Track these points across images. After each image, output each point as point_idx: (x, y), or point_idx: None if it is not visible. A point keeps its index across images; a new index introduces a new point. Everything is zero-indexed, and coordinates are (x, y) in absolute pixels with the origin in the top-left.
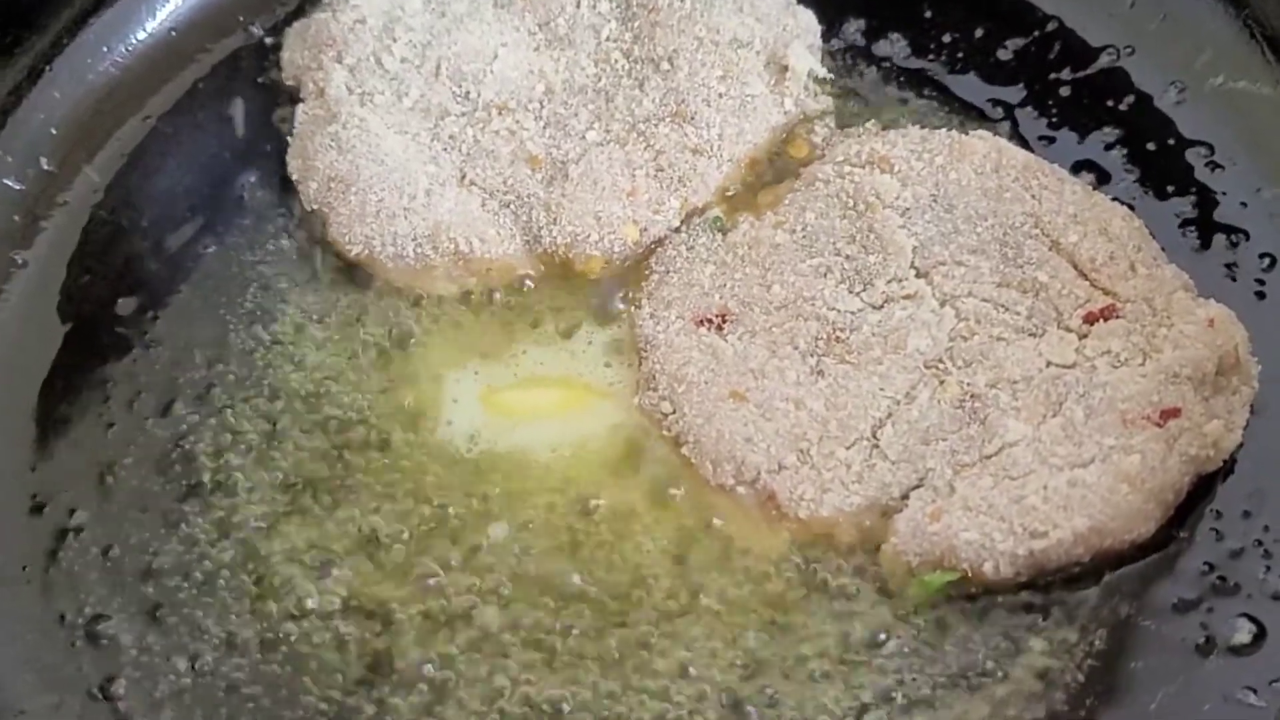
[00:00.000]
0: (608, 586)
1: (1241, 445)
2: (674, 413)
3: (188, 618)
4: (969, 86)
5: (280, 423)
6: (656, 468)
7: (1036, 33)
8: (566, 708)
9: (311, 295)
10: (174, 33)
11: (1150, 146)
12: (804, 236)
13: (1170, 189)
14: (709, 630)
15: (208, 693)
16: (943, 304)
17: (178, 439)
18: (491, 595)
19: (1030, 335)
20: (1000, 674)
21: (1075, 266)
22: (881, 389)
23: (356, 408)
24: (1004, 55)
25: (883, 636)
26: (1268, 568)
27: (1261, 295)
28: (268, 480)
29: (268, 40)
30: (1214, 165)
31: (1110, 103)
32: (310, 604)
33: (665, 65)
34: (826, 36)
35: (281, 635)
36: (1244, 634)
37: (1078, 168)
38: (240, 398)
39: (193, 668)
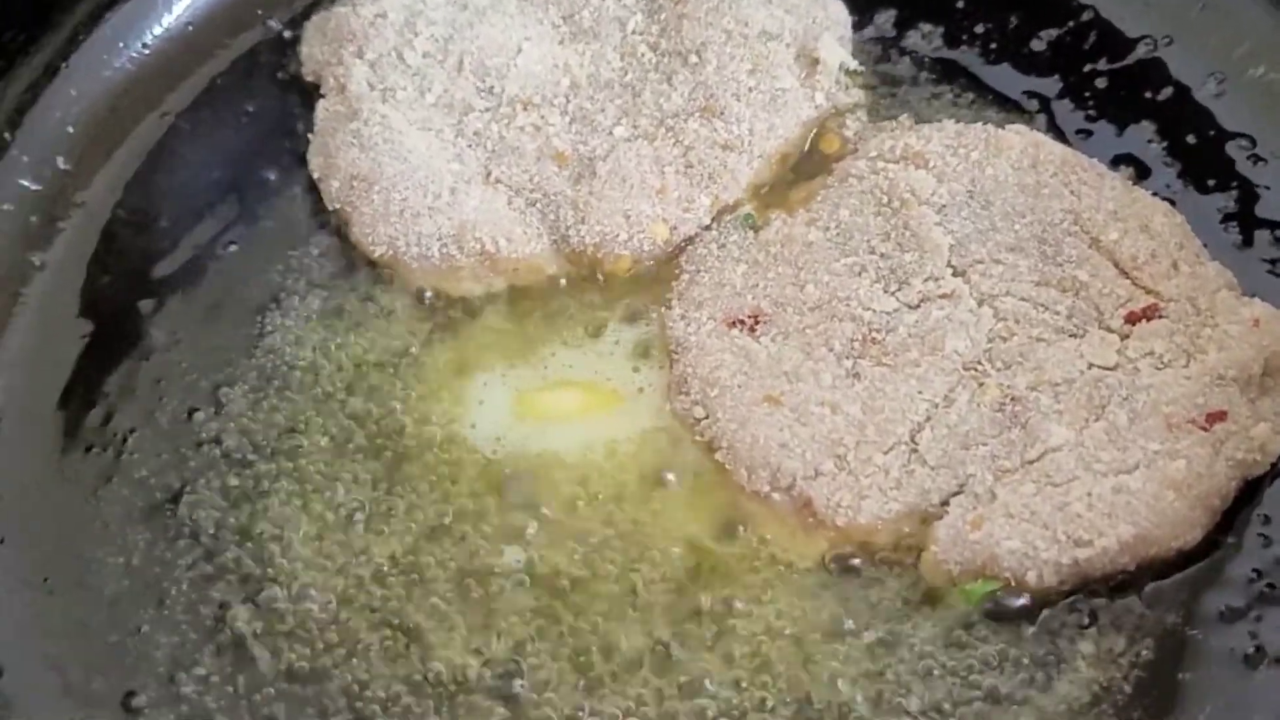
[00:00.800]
0: (634, 594)
1: None
2: (707, 418)
3: (203, 623)
4: (1003, 78)
5: (304, 425)
6: (689, 473)
7: (1071, 23)
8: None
9: (334, 295)
10: (191, 28)
11: (1190, 139)
12: (837, 234)
13: (1211, 183)
14: (739, 641)
15: (230, 699)
16: (980, 304)
17: (201, 442)
18: (517, 599)
19: (1071, 336)
20: (1046, 686)
21: (1116, 264)
22: (919, 392)
23: (380, 411)
24: (1038, 46)
25: (928, 648)
26: None
27: None
28: (289, 485)
29: (286, 34)
30: (1256, 158)
31: (1148, 94)
32: (331, 608)
33: (693, 59)
34: (857, 27)
35: (303, 637)
36: None
37: (1116, 161)
38: (263, 400)
39: (211, 676)
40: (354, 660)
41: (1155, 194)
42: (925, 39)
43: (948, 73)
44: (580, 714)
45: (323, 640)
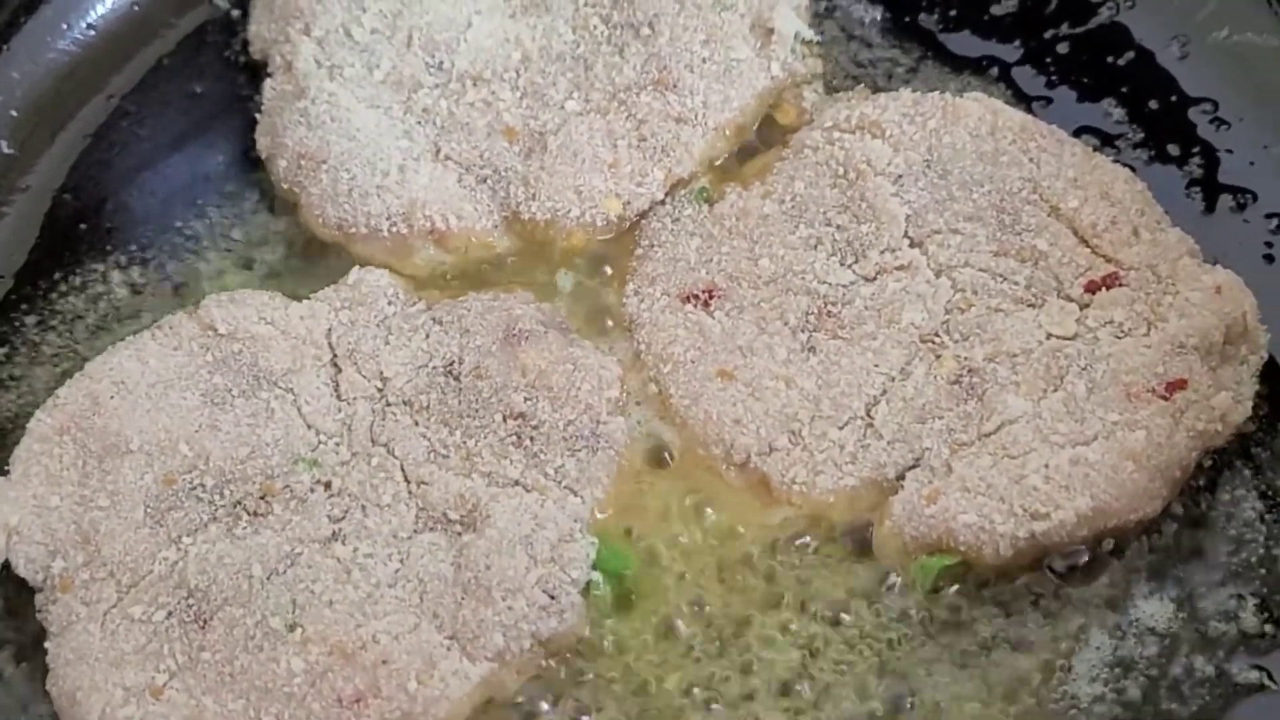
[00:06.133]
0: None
1: None
2: (660, 393)
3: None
4: (963, 44)
5: None
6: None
7: None
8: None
9: (287, 278)
10: (136, 7)
11: (1152, 105)
12: (793, 207)
13: (1174, 149)
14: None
15: None
16: (938, 275)
17: None
18: None
19: (1029, 306)
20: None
21: (1076, 233)
22: (875, 365)
23: None
24: (999, 11)
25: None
26: None
27: (1270, 259)
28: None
29: (234, 13)
30: (1219, 122)
31: (1110, 59)
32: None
33: (646, 30)
34: None
35: None
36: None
37: (1077, 128)
38: None
39: None
40: None
41: (1117, 160)
42: (883, 6)
43: (907, 40)
44: None
45: None
